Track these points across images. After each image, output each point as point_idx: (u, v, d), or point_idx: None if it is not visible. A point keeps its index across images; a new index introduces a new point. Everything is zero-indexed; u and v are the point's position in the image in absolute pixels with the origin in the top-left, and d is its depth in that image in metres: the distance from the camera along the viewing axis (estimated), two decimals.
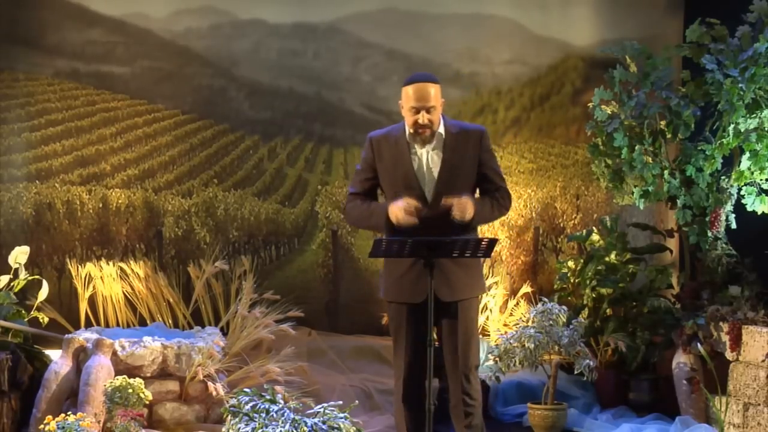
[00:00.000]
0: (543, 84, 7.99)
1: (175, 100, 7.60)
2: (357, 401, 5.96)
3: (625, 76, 7.01)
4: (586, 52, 7.95)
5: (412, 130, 5.04)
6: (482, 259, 5.19)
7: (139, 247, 7.49)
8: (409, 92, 5.01)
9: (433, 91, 5.01)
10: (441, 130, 5.08)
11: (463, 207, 4.91)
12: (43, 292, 6.80)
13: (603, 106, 7.09)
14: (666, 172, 6.88)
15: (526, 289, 7.76)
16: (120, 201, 7.49)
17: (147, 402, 5.97)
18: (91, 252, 7.41)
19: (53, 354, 6.45)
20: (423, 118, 4.99)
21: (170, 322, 7.08)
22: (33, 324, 6.71)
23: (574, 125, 8.00)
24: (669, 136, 6.88)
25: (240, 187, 7.67)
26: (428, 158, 5.07)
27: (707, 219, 6.86)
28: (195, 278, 7.07)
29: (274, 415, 5.66)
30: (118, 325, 7.06)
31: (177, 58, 7.56)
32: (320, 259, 7.74)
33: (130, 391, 5.87)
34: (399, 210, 4.89)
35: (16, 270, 6.76)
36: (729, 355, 6.25)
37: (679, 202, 6.88)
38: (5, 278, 6.69)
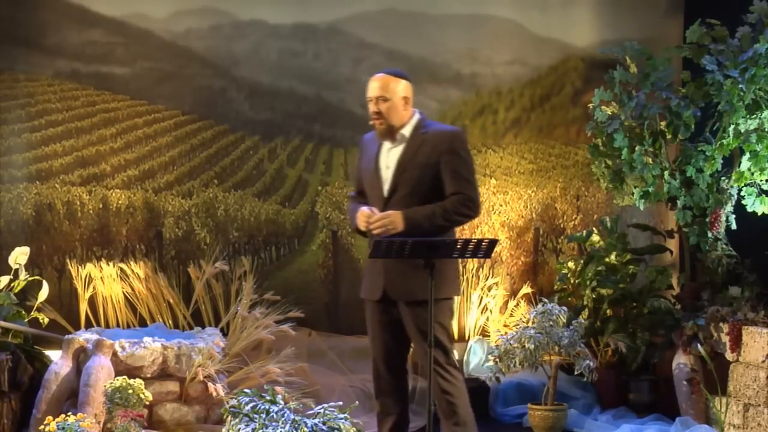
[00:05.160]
0: (543, 85, 7.99)
1: (175, 101, 7.59)
2: (357, 402, 5.97)
3: (626, 77, 7.01)
4: (586, 53, 7.96)
5: (370, 122, 5.14)
6: (453, 262, 5.14)
7: (139, 247, 7.49)
8: None
9: (387, 83, 5.10)
10: (407, 130, 5.13)
11: (388, 222, 4.97)
12: (44, 293, 6.80)
13: (603, 107, 7.09)
14: (666, 172, 6.88)
15: (527, 289, 7.76)
16: (120, 202, 7.49)
17: (147, 403, 5.98)
18: (92, 253, 7.41)
19: (53, 355, 6.45)
20: (372, 106, 5.10)
21: (170, 322, 7.08)
22: (33, 325, 6.71)
23: (574, 126, 8.00)
24: (669, 136, 6.89)
25: (240, 188, 7.67)
26: (389, 157, 5.14)
27: (707, 220, 6.86)
28: (195, 279, 7.07)
29: (275, 416, 5.66)
30: (118, 325, 7.06)
31: (177, 59, 7.55)
32: (320, 259, 7.74)
33: (130, 391, 5.87)
34: (360, 220, 5.09)
35: (17, 271, 6.77)
36: (729, 355, 6.26)
37: (679, 202, 6.88)
38: (5, 279, 6.69)
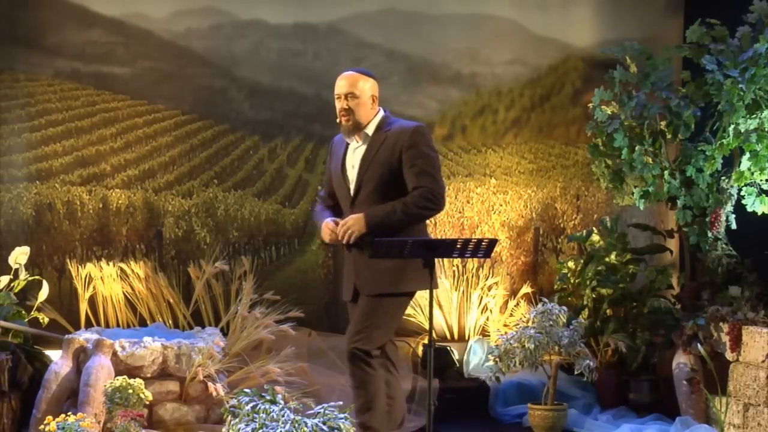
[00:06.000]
0: (543, 84, 7.99)
1: (175, 101, 7.59)
2: None
3: (626, 77, 7.02)
4: (586, 53, 7.96)
5: (338, 120, 5.19)
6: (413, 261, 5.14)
7: (139, 247, 7.48)
8: None
9: (356, 81, 5.16)
10: (370, 128, 5.18)
11: (347, 228, 5.07)
12: (44, 293, 6.80)
13: (603, 107, 7.10)
14: (666, 172, 6.88)
15: (527, 289, 7.76)
16: (120, 201, 7.49)
17: (147, 402, 5.97)
18: (92, 252, 7.41)
19: (53, 354, 6.45)
20: (341, 103, 5.15)
21: (170, 322, 7.08)
22: (33, 324, 6.71)
23: (574, 126, 8.01)
24: (669, 136, 6.89)
25: (240, 188, 7.67)
26: (354, 156, 5.21)
27: (707, 219, 6.86)
28: (195, 279, 7.07)
29: (275, 416, 5.66)
30: (118, 325, 7.06)
31: (177, 59, 7.55)
32: (320, 259, 7.74)
33: (130, 391, 5.87)
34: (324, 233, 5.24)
35: (17, 270, 6.76)
36: (729, 355, 6.26)
37: (679, 202, 6.89)
38: (5, 279, 6.69)
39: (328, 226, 5.20)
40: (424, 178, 5.09)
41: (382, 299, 5.14)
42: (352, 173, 5.19)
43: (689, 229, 6.90)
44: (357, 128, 5.16)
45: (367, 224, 5.05)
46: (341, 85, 5.18)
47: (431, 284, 4.86)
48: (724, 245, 6.90)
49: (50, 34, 7.39)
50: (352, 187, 5.20)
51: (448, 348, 7.41)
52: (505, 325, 7.57)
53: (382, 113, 5.23)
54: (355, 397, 5.15)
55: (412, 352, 7.34)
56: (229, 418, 5.76)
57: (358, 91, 5.13)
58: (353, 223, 5.07)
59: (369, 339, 5.14)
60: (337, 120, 5.21)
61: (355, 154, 5.21)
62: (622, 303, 7.20)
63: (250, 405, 5.71)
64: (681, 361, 6.60)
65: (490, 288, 7.73)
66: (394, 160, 5.10)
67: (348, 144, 5.25)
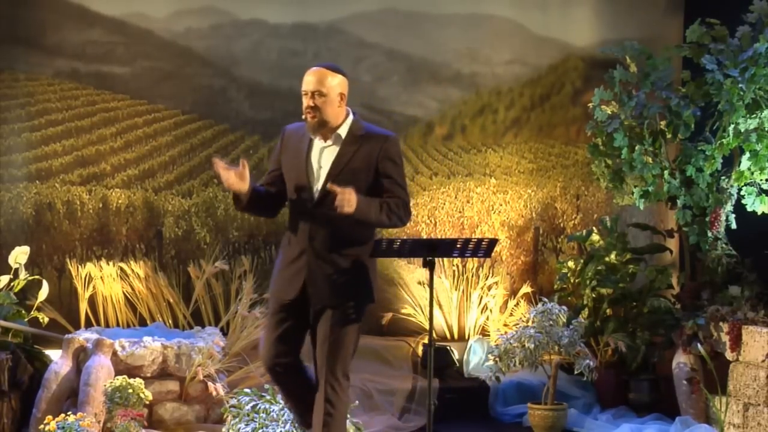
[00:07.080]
0: (543, 84, 7.99)
1: (175, 101, 7.59)
2: (357, 401, 5.97)
3: (626, 77, 7.02)
4: (586, 53, 7.96)
5: (303, 116, 4.96)
6: (374, 267, 5.01)
7: (139, 247, 7.48)
8: None
9: (324, 78, 4.91)
10: (343, 130, 4.95)
11: (346, 199, 4.74)
12: (43, 292, 6.80)
13: (603, 107, 7.10)
14: (666, 172, 6.88)
15: (526, 289, 7.76)
16: (120, 201, 7.49)
17: (147, 402, 5.98)
18: (91, 252, 7.40)
19: (53, 354, 6.45)
20: (307, 100, 4.91)
21: (170, 322, 7.08)
22: (33, 324, 6.70)
23: (574, 125, 8.00)
24: (669, 136, 6.89)
25: None
26: (322, 156, 4.97)
27: (707, 219, 6.86)
28: (195, 278, 7.07)
29: (275, 416, 5.67)
30: (118, 325, 7.06)
31: (177, 59, 7.55)
32: None
33: (130, 391, 5.88)
34: (224, 178, 5.01)
35: (17, 270, 6.76)
36: (729, 355, 6.26)
37: (679, 202, 6.89)
38: (5, 278, 6.68)
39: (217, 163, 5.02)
40: (398, 189, 4.93)
41: (346, 322, 4.89)
42: (319, 173, 4.96)
43: (689, 229, 6.90)
44: (322, 125, 4.95)
45: (357, 207, 4.77)
46: (308, 81, 4.94)
47: (431, 283, 4.84)
48: (724, 245, 6.90)
49: (50, 34, 7.39)
50: (317, 187, 4.95)
51: (448, 348, 7.41)
52: (505, 325, 7.57)
53: (352, 116, 5.00)
54: (323, 415, 4.84)
55: (412, 351, 7.34)
56: (229, 417, 5.77)
57: (325, 89, 4.92)
58: (351, 198, 4.76)
59: (346, 361, 4.90)
60: (303, 116, 4.97)
61: (324, 153, 4.97)
62: (622, 303, 7.20)
63: (250, 405, 5.72)
64: (681, 360, 6.60)
65: (490, 288, 7.73)
66: (366, 168, 4.91)
67: (312, 140, 5.00)
